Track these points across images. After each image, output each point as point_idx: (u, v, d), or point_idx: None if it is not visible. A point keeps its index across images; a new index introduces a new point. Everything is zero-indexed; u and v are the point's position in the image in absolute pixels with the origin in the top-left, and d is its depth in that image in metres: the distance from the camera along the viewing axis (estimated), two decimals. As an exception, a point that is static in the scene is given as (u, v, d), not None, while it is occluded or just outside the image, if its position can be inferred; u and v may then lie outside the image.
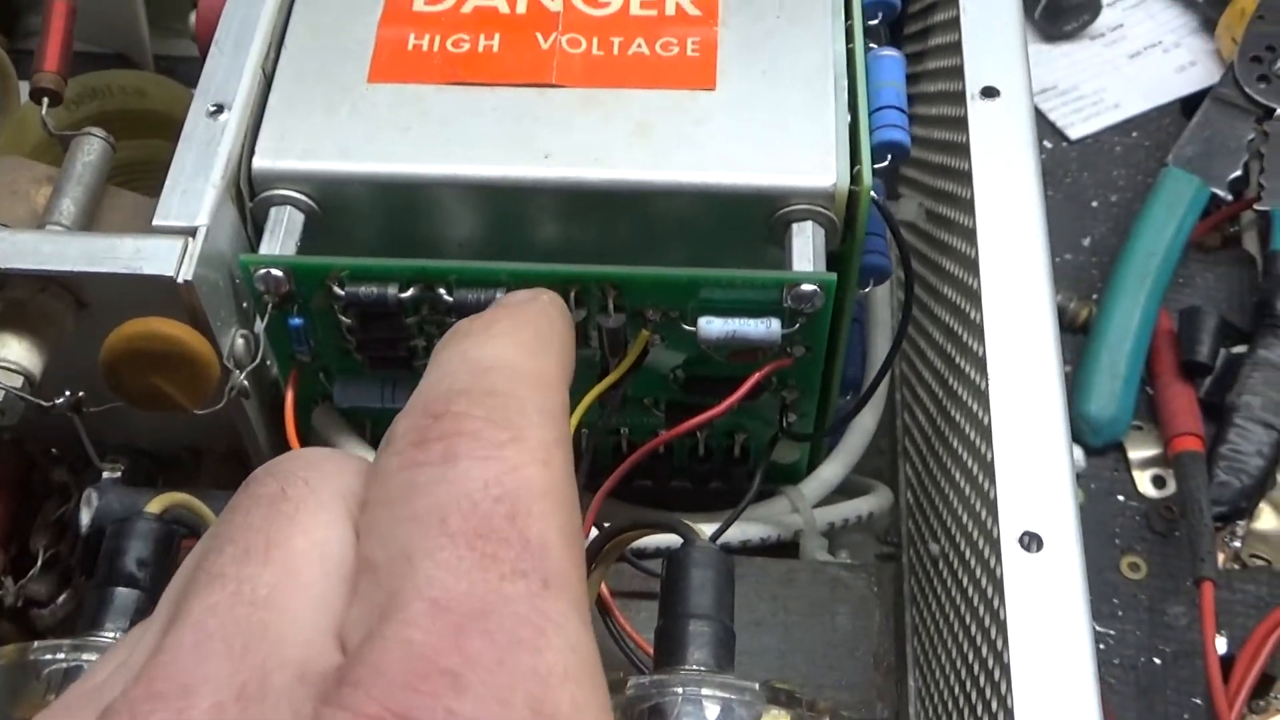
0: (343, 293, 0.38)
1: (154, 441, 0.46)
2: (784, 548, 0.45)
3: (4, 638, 0.46)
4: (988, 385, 0.37)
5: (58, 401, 0.39)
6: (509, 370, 0.23)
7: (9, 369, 0.38)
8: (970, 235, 0.41)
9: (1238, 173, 0.71)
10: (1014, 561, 0.33)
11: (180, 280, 0.37)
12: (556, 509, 0.21)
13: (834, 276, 0.38)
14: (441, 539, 0.20)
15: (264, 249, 0.39)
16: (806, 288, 0.38)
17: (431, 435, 0.21)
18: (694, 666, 0.33)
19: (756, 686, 0.33)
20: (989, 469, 0.36)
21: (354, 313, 0.39)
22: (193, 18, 0.44)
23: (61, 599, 0.46)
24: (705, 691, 0.32)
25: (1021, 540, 0.33)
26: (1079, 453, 0.66)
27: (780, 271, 0.38)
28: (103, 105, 0.52)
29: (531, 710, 0.19)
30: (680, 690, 0.32)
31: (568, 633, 0.20)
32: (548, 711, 0.19)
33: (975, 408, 0.40)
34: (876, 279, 0.44)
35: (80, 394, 0.39)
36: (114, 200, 0.43)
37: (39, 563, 0.45)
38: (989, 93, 0.41)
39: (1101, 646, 0.61)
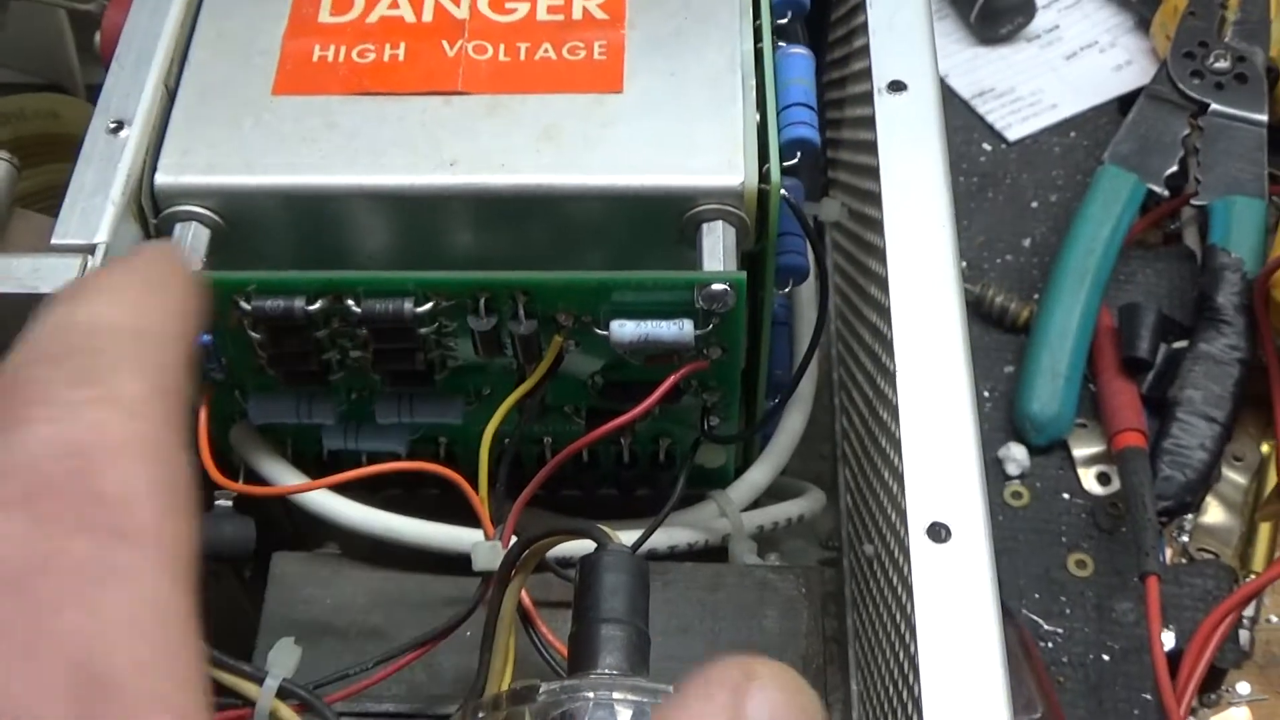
0: (250, 307, 0.38)
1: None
2: (713, 553, 0.45)
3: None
4: (896, 374, 0.37)
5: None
6: (103, 327, 0.21)
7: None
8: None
9: (1174, 168, 0.71)
10: (922, 552, 0.32)
11: (79, 298, 0.36)
12: (145, 460, 0.19)
13: (744, 275, 0.37)
14: None
15: (169, 265, 0.38)
16: (717, 287, 0.37)
17: None
18: (605, 671, 0.32)
19: (671, 689, 0.32)
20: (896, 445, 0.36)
21: (263, 328, 0.39)
22: (98, 36, 0.43)
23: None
24: (617, 695, 0.32)
25: (930, 531, 0.33)
26: (1022, 451, 0.66)
27: (689, 272, 0.38)
28: (17, 130, 0.51)
29: (73, 671, 0.17)
30: (591, 695, 0.32)
31: (141, 585, 0.18)
32: (97, 670, 0.17)
33: (896, 401, 0.39)
34: (796, 279, 0.44)
35: None
36: (21, 223, 0.42)
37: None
38: (896, 86, 0.41)
39: (1050, 645, 0.61)
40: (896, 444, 0.39)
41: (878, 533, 0.46)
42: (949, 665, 0.31)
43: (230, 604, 0.48)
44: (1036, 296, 0.70)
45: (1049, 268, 0.70)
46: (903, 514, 0.38)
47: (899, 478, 0.39)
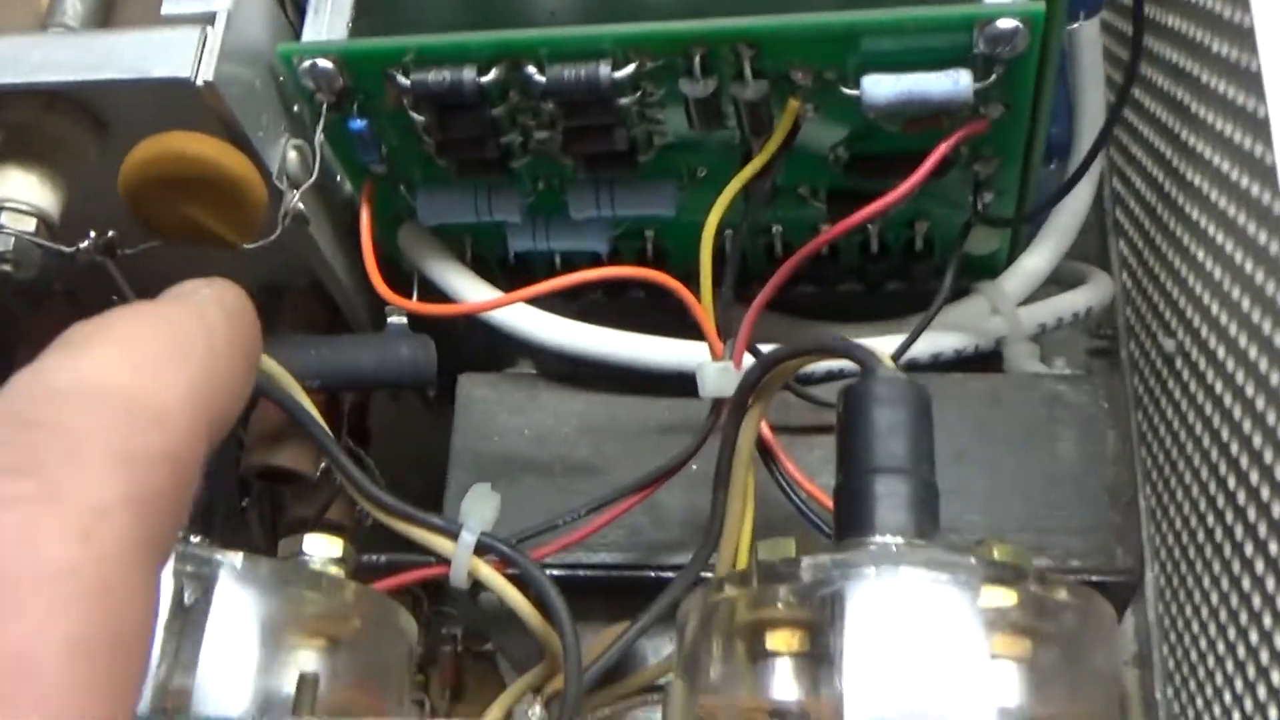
0: (409, 82, 0.31)
1: (226, 281, 0.40)
2: (985, 359, 0.37)
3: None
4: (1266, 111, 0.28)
5: (82, 245, 0.32)
6: (91, 395, 0.16)
7: (17, 210, 0.31)
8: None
9: None
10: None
11: (199, 82, 0.29)
12: (73, 608, 0.14)
13: (1041, 6, 0.29)
14: None
15: (307, 35, 0.32)
16: (1005, 24, 0.29)
17: None
18: (887, 537, 0.25)
19: (971, 560, 0.25)
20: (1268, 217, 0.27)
21: (427, 107, 0.32)
22: None
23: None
24: (904, 570, 0.25)
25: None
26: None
27: (968, 5, 0.29)
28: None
29: None
30: (872, 570, 0.25)
31: None
32: None
33: (1242, 141, 0.30)
34: (1087, 10, 0.35)
35: (110, 234, 0.32)
36: (134, -7, 0.35)
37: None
38: None
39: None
40: (1245, 200, 0.30)
41: (1183, 324, 0.37)
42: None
43: (414, 435, 0.42)
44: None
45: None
46: (1258, 291, 0.29)
47: (1246, 239, 0.31)
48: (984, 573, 0.25)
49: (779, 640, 0.26)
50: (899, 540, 0.25)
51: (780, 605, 0.26)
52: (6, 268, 0.31)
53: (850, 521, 0.26)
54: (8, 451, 0.15)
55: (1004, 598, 0.25)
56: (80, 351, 0.17)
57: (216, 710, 0.26)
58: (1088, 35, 0.40)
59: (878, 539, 0.25)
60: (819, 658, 0.25)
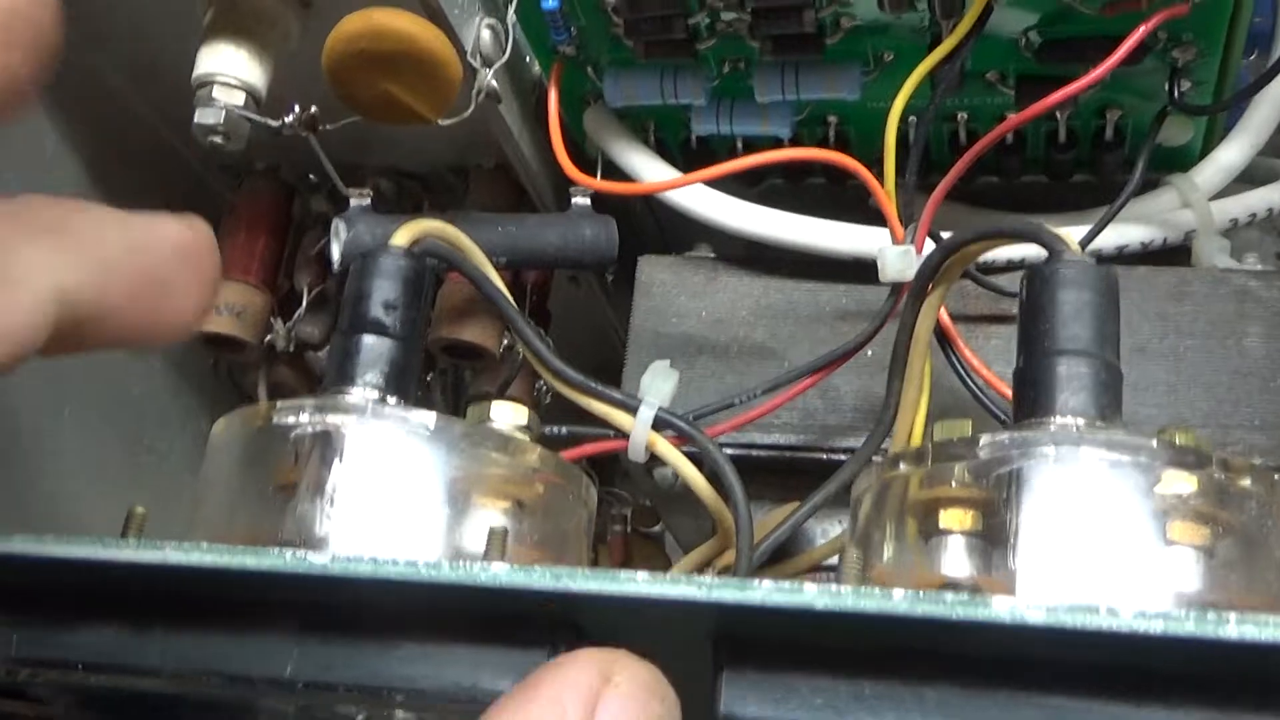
0: (601, -40, 0.31)
1: (416, 161, 0.41)
2: (1172, 253, 0.36)
3: (284, 384, 0.43)
4: None
5: (287, 120, 0.33)
6: None
7: (228, 84, 0.32)
8: None
9: None
10: None
11: (401, -42, 0.30)
12: None
13: (1255, -120, 0.28)
14: None
15: (503, -87, 0.32)
16: None
17: None
18: (1068, 417, 0.25)
19: (1153, 443, 0.25)
20: None
21: (617, -14, 0.32)
22: None
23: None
24: (1085, 450, 0.25)
25: None
26: None
27: (1177, -118, 0.28)
28: None
29: None
30: (1051, 449, 0.25)
31: None
32: None
33: None
34: (1301, -109, 0.33)
35: (313, 110, 0.34)
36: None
37: (304, 302, 0.41)
38: None
39: None
40: None
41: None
42: None
43: (593, 316, 0.43)
44: None
45: None
46: None
47: None
48: (1165, 456, 0.25)
49: (951, 518, 0.26)
50: (1080, 422, 0.25)
51: (954, 484, 0.26)
52: (218, 139, 0.33)
53: (1030, 403, 0.26)
54: None
55: (1185, 482, 0.25)
56: None
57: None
58: (1298, -81, 0.38)
59: (1058, 420, 0.25)
60: (991, 538, 0.25)
